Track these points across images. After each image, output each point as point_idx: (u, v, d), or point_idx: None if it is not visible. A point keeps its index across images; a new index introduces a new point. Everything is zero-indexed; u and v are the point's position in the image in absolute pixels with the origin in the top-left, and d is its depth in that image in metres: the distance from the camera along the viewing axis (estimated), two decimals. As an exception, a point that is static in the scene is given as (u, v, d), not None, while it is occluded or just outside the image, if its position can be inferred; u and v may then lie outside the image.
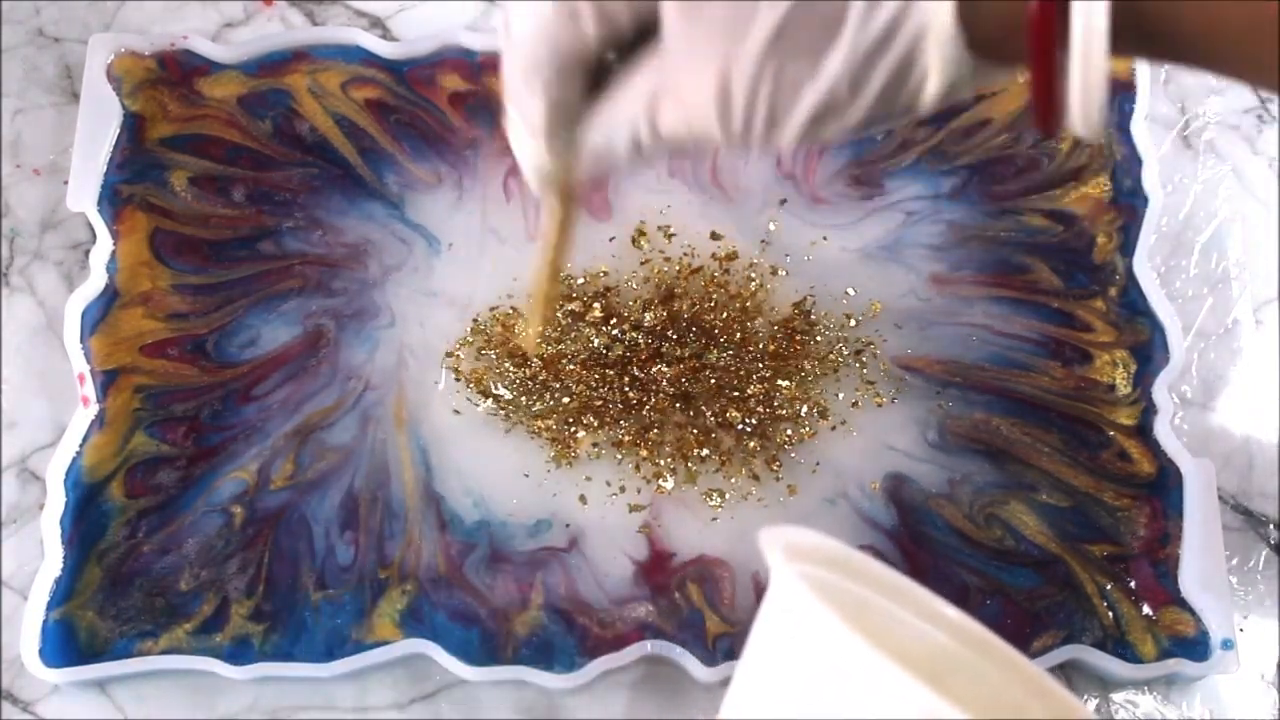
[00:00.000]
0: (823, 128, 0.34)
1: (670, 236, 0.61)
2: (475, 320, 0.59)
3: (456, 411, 0.57)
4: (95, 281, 0.58)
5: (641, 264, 0.60)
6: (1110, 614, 0.55)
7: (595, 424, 0.57)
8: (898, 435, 0.57)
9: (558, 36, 0.35)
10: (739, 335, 0.58)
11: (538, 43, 0.35)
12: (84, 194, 0.59)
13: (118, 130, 0.61)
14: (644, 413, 0.57)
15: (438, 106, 0.63)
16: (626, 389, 0.57)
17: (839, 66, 0.32)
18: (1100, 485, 0.57)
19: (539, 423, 0.57)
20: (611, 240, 0.60)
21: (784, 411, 0.57)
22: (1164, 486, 0.57)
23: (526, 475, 0.56)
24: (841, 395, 0.58)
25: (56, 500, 0.55)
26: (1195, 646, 0.54)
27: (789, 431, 0.57)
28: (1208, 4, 0.30)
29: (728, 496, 0.56)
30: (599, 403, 0.57)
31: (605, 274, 0.59)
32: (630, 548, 0.55)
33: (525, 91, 0.36)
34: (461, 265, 0.60)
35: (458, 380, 0.58)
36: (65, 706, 0.54)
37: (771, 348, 0.58)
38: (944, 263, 0.61)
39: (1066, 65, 0.31)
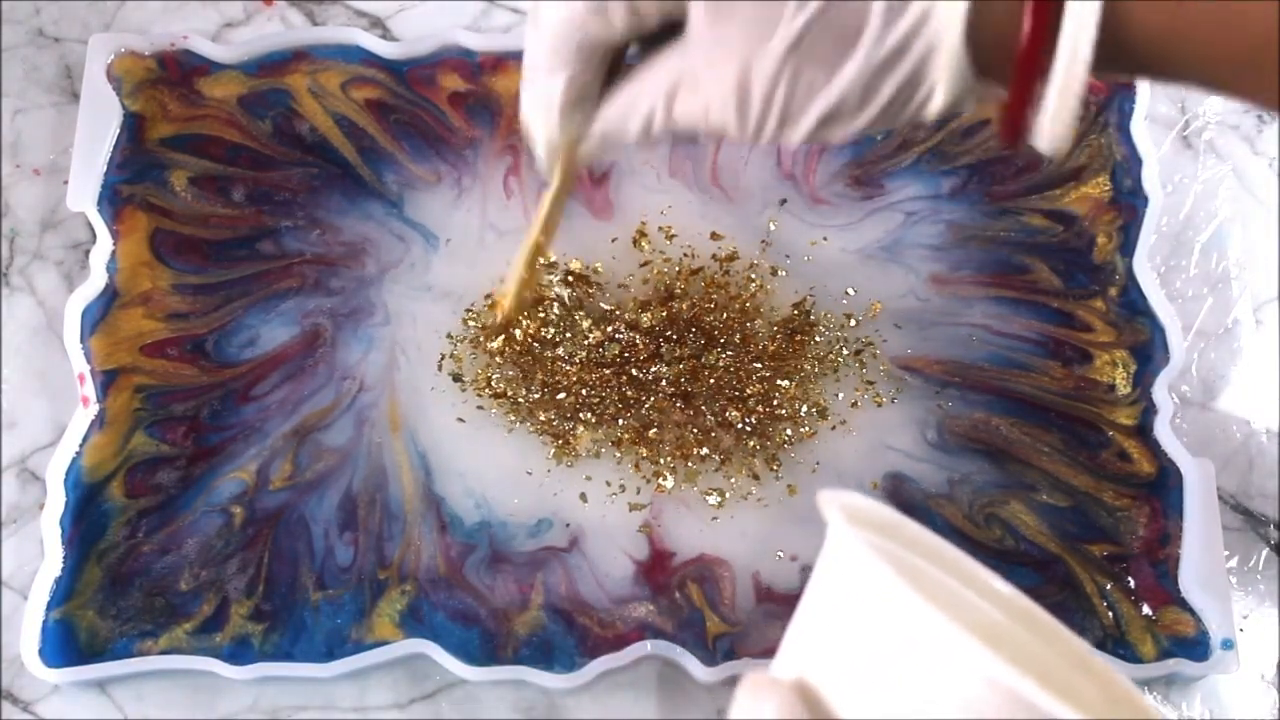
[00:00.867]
0: (830, 130, 0.36)
1: (671, 237, 0.61)
2: (469, 310, 0.59)
3: (461, 420, 0.57)
4: (95, 281, 0.58)
5: (641, 265, 0.60)
6: (1110, 614, 0.55)
7: (594, 420, 0.57)
8: (897, 435, 0.58)
9: (586, 27, 0.37)
10: (739, 336, 0.58)
11: (565, 31, 0.37)
12: (84, 194, 0.59)
13: (118, 130, 0.61)
14: (643, 411, 0.57)
15: (437, 106, 0.63)
16: (625, 388, 0.57)
17: (853, 75, 0.34)
18: (1100, 485, 0.57)
19: (540, 414, 0.57)
20: (614, 241, 0.60)
21: (783, 411, 0.57)
22: (1164, 486, 0.57)
23: (529, 473, 0.56)
24: (841, 395, 0.58)
25: (56, 500, 0.55)
26: (1195, 646, 0.54)
27: (788, 431, 0.57)
28: (1177, 13, 0.32)
29: (728, 496, 0.56)
30: (596, 400, 0.57)
31: (597, 270, 0.60)
32: (631, 547, 0.55)
33: (546, 71, 0.38)
34: (458, 261, 0.60)
35: (456, 382, 0.58)
36: (65, 706, 0.54)
37: (771, 348, 0.58)
38: (944, 263, 0.61)
39: (1043, 86, 0.33)
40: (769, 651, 0.53)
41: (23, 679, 0.53)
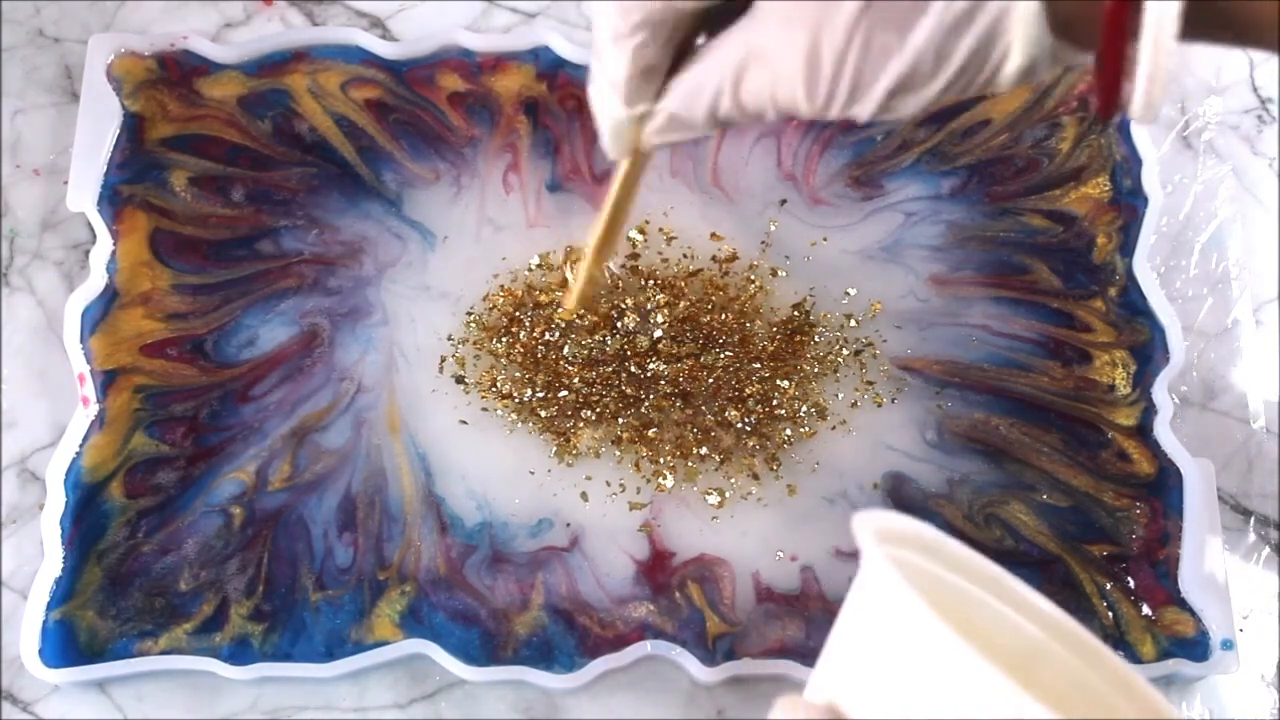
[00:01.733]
0: (901, 100, 0.35)
1: (671, 240, 0.61)
2: (469, 313, 0.59)
3: (463, 422, 0.57)
4: (95, 281, 0.58)
5: (636, 261, 0.60)
6: (1110, 614, 0.55)
7: (594, 418, 0.57)
8: (897, 435, 0.58)
9: (653, 5, 0.36)
10: (737, 336, 0.58)
11: (634, 10, 0.36)
12: (84, 194, 0.59)
13: (118, 130, 0.61)
14: (643, 410, 0.57)
15: (437, 106, 0.63)
16: (625, 386, 0.57)
17: (925, 38, 0.33)
18: (1100, 485, 0.57)
19: (541, 412, 0.57)
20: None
21: (783, 411, 0.57)
22: (1164, 486, 0.57)
23: (531, 473, 0.56)
24: (841, 395, 0.58)
25: (56, 500, 0.55)
26: (1195, 647, 0.54)
27: (788, 431, 0.57)
28: None
29: (727, 495, 0.56)
30: (597, 398, 0.57)
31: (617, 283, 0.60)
32: (631, 547, 0.55)
33: (613, 49, 0.37)
34: (456, 257, 0.60)
35: (459, 384, 0.58)
36: (65, 706, 0.54)
37: (770, 348, 0.58)
38: (943, 263, 0.61)
39: (1135, 51, 0.32)
40: (769, 651, 0.53)
41: (23, 679, 0.53)
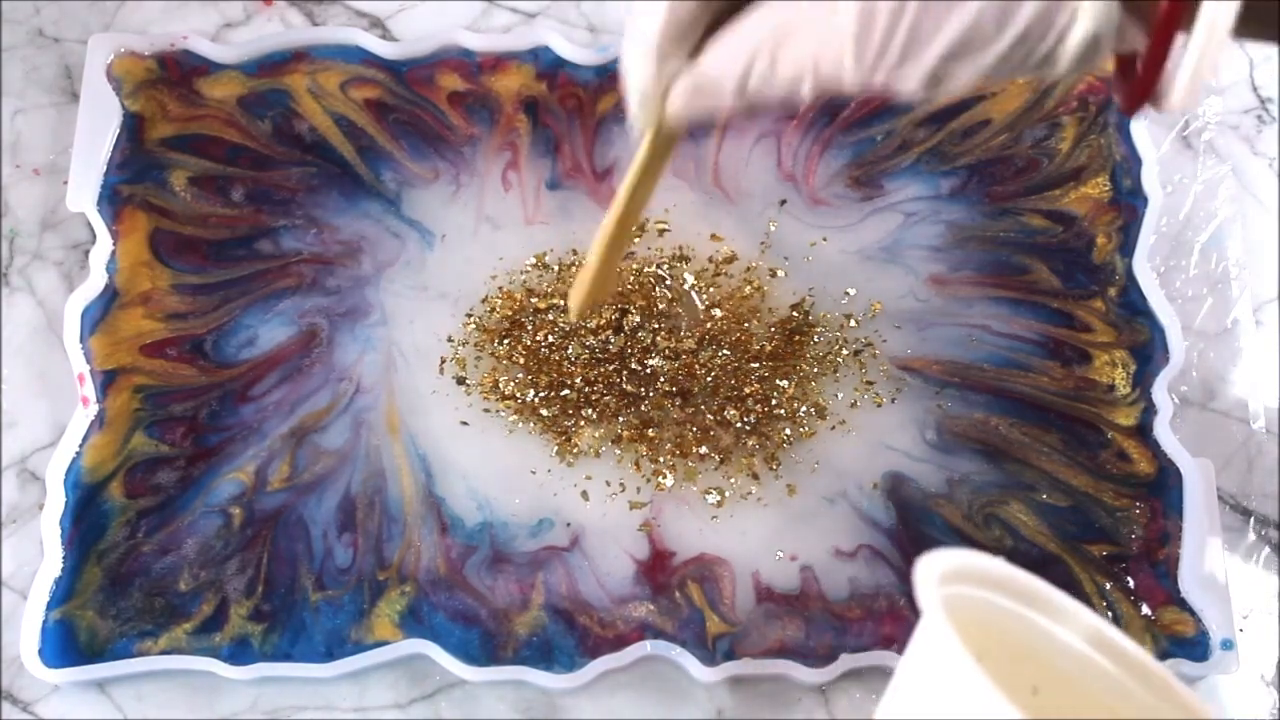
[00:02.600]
0: (956, 67, 0.32)
1: (663, 233, 0.61)
2: (469, 315, 0.59)
3: (464, 423, 0.57)
4: (95, 281, 0.58)
5: (635, 261, 0.60)
6: (1110, 614, 0.55)
7: (595, 417, 0.57)
8: (897, 435, 0.58)
9: None
10: (736, 336, 0.59)
11: None
12: (84, 194, 0.59)
13: (118, 130, 0.61)
14: (642, 407, 0.57)
15: (436, 105, 0.63)
16: (625, 384, 0.57)
17: None
18: (1099, 485, 0.57)
19: (543, 410, 0.57)
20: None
21: (781, 411, 0.57)
22: (1163, 486, 0.57)
23: (533, 473, 0.56)
24: (841, 395, 0.58)
25: (56, 500, 0.55)
26: (1195, 647, 0.54)
27: (787, 431, 0.57)
28: None
29: (727, 495, 0.56)
30: (598, 397, 0.57)
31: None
32: (631, 546, 0.55)
33: (648, 5, 0.35)
34: (454, 257, 0.60)
35: (460, 385, 0.58)
36: (65, 706, 0.54)
37: (769, 348, 0.58)
38: (943, 263, 0.61)
39: (1183, 43, 0.31)
40: (769, 651, 0.53)
41: (23, 679, 0.53)
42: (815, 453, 0.57)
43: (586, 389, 0.57)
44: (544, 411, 0.57)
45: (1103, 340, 0.59)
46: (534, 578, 0.54)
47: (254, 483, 0.56)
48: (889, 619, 0.54)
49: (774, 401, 0.58)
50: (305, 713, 0.54)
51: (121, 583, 0.54)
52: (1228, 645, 0.54)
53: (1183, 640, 0.54)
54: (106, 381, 0.57)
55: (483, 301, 0.59)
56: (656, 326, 0.58)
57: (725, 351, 0.58)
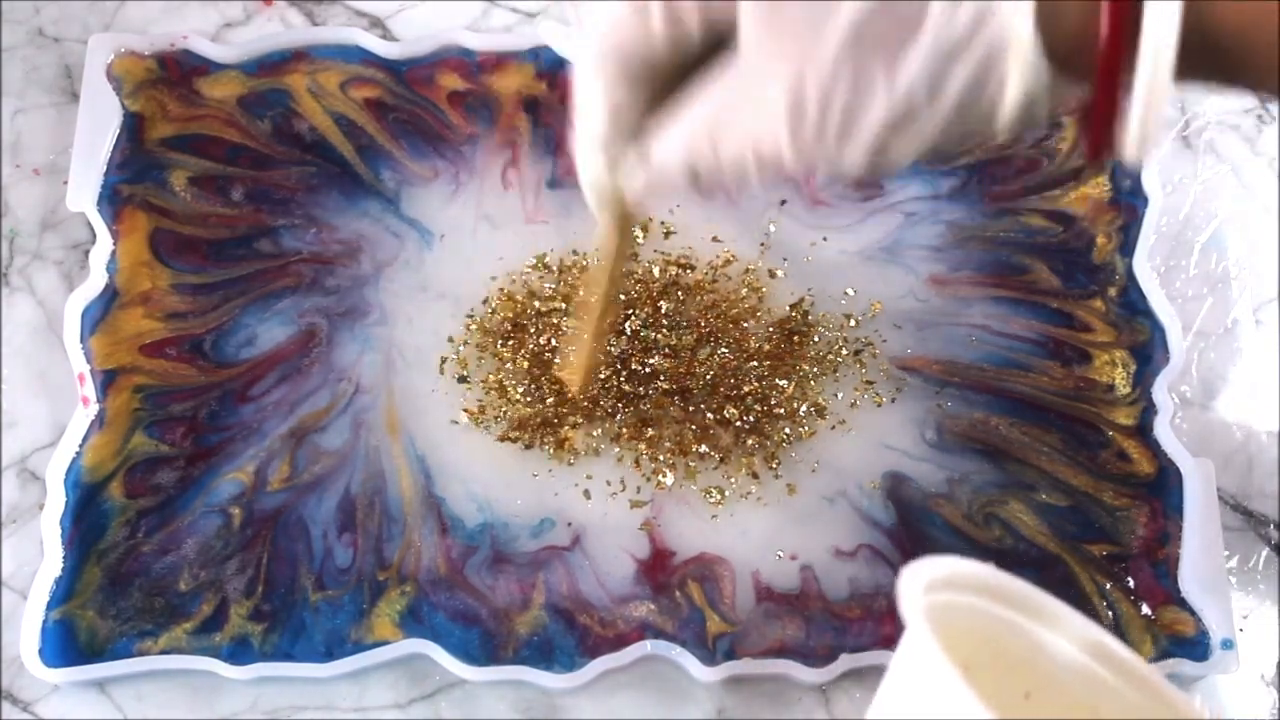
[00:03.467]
0: (897, 140, 0.33)
1: (669, 234, 0.61)
2: (469, 315, 0.59)
3: (454, 422, 0.57)
4: (95, 281, 0.58)
5: (636, 260, 0.60)
6: (1110, 614, 0.55)
7: (594, 416, 0.57)
8: (897, 435, 0.58)
9: (624, 35, 0.34)
10: (735, 335, 0.59)
11: (605, 41, 0.35)
12: (84, 194, 0.59)
13: (118, 130, 0.61)
14: (642, 406, 0.57)
15: (436, 105, 0.63)
16: (624, 384, 0.57)
17: (917, 66, 0.31)
18: (1099, 485, 0.57)
19: (543, 411, 0.57)
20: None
21: (781, 410, 0.57)
22: (1163, 486, 0.57)
23: (534, 475, 0.56)
24: (841, 395, 0.58)
25: (56, 500, 0.55)
26: (1195, 646, 0.54)
27: (787, 430, 0.57)
28: (1261, 8, 0.30)
29: (727, 495, 0.56)
30: (596, 396, 0.57)
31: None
32: (632, 546, 0.55)
33: (589, 99, 0.36)
34: (453, 256, 0.60)
35: (462, 384, 0.58)
36: (65, 706, 0.54)
37: (768, 348, 0.58)
38: (943, 263, 0.61)
39: (1128, 91, 0.31)
40: (769, 651, 0.53)
41: (23, 679, 0.53)
42: (815, 452, 0.57)
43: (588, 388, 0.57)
44: (544, 412, 0.57)
45: (1103, 340, 0.59)
46: (535, 577, 0.54)
47: (254, 483, 0.56)
48: (889, 619, 0.54)
49: (773, 401, 0.58)
50: (305, 713, 0.54)
51: (121, 583, 0.54)
52: (1228, 645, 0.54)
53: (1183, 640, 0.54)
54: (106, 381, 0.57)
55: (483, 302, 0.59)
56: (662, 324, 0.58)
57: (724, 350, 0.58)
